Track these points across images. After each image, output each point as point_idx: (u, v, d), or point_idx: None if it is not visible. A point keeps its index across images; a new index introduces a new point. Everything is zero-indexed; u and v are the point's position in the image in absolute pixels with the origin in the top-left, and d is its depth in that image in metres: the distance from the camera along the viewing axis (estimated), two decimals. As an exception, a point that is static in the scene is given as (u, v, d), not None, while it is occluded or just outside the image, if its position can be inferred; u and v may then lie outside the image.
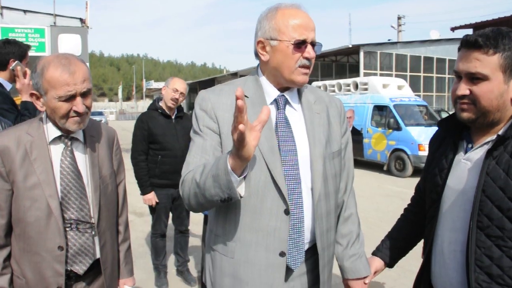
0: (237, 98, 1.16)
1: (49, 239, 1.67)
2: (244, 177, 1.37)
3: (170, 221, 4.32)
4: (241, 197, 1.38)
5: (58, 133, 1.72)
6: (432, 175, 1.63)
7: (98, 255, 1.81)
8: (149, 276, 4.42)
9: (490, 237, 1.38)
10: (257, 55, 1.63)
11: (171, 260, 4.78)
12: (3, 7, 14.62)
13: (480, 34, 1.39)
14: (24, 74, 2.77)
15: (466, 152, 1.53)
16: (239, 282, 1.59)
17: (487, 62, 1.37)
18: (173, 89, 3.95)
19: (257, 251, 1.55)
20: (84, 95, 1.67)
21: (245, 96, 1.59)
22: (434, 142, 1.74)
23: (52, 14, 15.33)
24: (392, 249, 1.87)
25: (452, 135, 1.60)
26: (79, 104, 1.64)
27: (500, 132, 1.43)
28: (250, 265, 1.56)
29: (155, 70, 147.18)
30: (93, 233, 1.77)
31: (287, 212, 1.53)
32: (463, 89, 1.43)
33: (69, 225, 1.71)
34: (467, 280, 1.42)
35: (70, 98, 1.63)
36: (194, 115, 1.64)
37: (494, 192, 1.36)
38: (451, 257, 1.51)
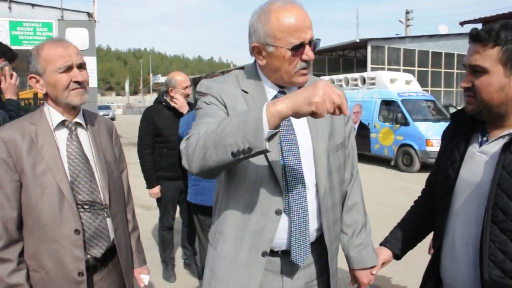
0: None
1: (64, 223, 1.68)
2: (273, 135, 1.26)
3: (177, 214, 4.34)
4: (267, 151, 1.24)
5: (61, 118, 1.76)
6: (444, 167, 1.62)
7: (112, 238, 1.83)
8: (157, 269, 4.44)
9: (504, 231, 1.36)
10: (253, 55, 1.58)
11: (178, 253, 4.81)
12: (11, 1, 14.68)
13: (486, 27, 1.40)
14: (11, 76, 2.88)
15: (481, 144, 1.51)
16: (215, 277, 1.58)
17: (486, 55, 1.39)
18: (183, 88, 3.97)
19: (240, 248, 1.54)
20: (80, 67, 1.74)
21: (245, 91, 1.57)
22: (447, 134, 1.73)
23: (59, 8, 15.37)
24: (401, 240, 1.86)
25: (465, 127, 1.59)
26: (77, 75, 1.72)
27: None
28: (228, 262, 1.55)
29: (162, 65, 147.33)
30: (105, 215, 1.80)
31: (278, 212, 1.50)
32: (466, 81, 1.47)
33: (81, 207, 1.73)
34: (480, 274, 1.40)
35: (68, 69, 1.70)
36: (199, 100, 1.59)
37: (510, 186, 1.34)
38: (463, 251, 1.49)
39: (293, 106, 1.21)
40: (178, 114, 4.04)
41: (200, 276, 4.29)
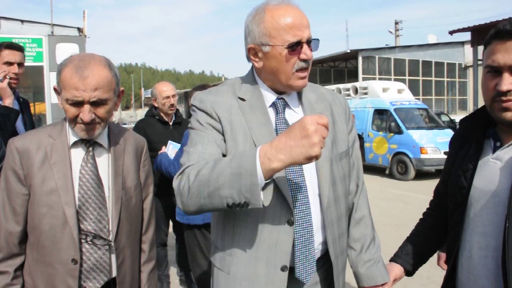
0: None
1: (63, 250, 1.56)
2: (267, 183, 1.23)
3: (171, 229, 4.22)
4: (263, 205, 1.21)
5: (78, 136, 1.61)
6: (455, 177, 1.52)
7: (114, 273, 1.66)
8: (151, 286, 4.30)
9: None
10: (249, 59, 1.52)
11: (173, 270, 4.67)
12: (0, 17, 14.59)
13: None
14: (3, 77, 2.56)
15: (494, 151, 1.42)
16: None
17: None
18: (164, 98, 3.86)
19: (257, 266, 1.44)
20: (95, 104, 1.53)
21: (242, 99, 1.50)
22: (455, 142, 1.63)
23: (49, 24, 15.31)
24: (412, 255, 1.75)
25: (476, 133, 1.49)
26: (85, 112, 1.52)
27: None
28: (247, 282, 1.45)
29: (153, 79, 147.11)
30: (109, 248, 1.63)
31: (290, 222, 1.42)
32: (508, 83, 1.28)
33: (84, 237, 1.59)
34: None
35: (77, 104, 1.52)
36: (192, 116, 1.52)
37: None
38: (482, 264, 1.40)
39: (291, 162, 1.18)
40: (170, 127, 3.95)
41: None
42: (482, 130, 1.48)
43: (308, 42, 1.43)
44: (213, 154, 1.39)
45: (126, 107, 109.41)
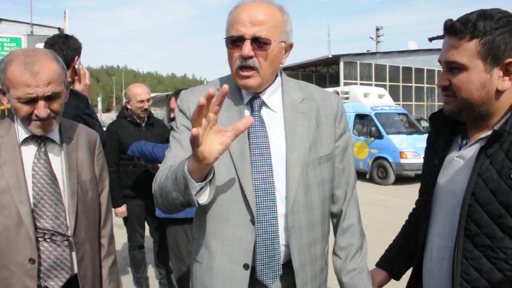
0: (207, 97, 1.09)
1: (19, 250, 1.50)
2: (210, 182, 1.26)
3: (147, 233, 4.18)
4: (199, 204, 1.27)
5: (29, 133, 1.57)
6: (424, 174, 1.52)
7: (76, 270, 1.64)
8: (130, 290, 4.25)
9: (478, 246, 1.22)
10: None
11: (153, 273, 4.62)
12: (-23, 16, 14.29)
13: (461, 18, 1.25)
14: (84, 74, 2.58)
15: (460, 148, 1.38)
16: None
17: (463, 50, 1.22)
18: (138, 101, 3.83)
19: (222, 260, 1.46)
20: (49, 98, 1.50)
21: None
22: (429, 140, 1.60)
23: (29, 23, 15.05)
24: (398, 258, 1.70)
25: (444, 130, 1.46)
26: (40, 108, 1.48)
27: (496, 127, 1.25)
28: (215, 274, 1.48)
29: (135, 81, 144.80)
30: (68, 244, 1.60)
31: (253, 221, 1.42)
32: (443, 80, 1.31)
33: (42, 235, 1.55)
34: None
35: (31, 101, 1.47)
36: (175, 114, 1.60)
37: (485, 196, 1.20)
38: (439, 265, 1.36)
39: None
40: (143, 128, 3.92)
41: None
42: (451, 127, 1.44)
43: (256, 40, 1.38)
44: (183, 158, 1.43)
45: (107, 110, 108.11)
